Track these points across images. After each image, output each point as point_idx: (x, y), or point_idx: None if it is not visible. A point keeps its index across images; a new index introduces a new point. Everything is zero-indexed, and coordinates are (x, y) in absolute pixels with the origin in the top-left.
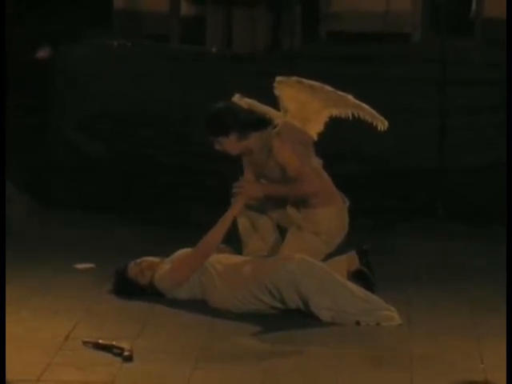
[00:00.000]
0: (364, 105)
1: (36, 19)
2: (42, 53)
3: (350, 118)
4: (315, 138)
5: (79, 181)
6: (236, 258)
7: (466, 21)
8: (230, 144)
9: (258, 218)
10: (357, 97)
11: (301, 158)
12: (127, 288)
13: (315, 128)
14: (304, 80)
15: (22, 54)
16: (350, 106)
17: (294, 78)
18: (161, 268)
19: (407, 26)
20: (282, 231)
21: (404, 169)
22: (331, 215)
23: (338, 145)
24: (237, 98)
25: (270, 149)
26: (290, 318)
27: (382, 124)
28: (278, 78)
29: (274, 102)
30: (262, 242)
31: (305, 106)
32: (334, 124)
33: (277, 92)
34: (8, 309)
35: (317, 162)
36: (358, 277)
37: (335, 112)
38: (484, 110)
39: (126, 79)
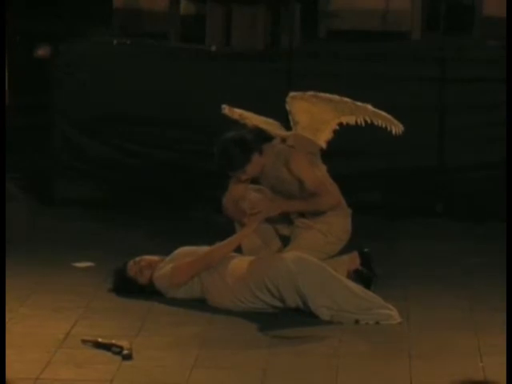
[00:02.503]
0: (382, 112)
1: (36, 18)
2: (42, 52)
3: (363, 124)
4: (324, 146)
5: (79, 180)
6: (236, 257)
7: (465, 19)
8: (254, 164)
9: (264, 230)
10: (356, 96)
11: (317, 171)
12: (126, 286)
13: (324, 137)
14: (320, 94)
15: (22, 54)
16: (368, 114)
17: (310, 93)
18: (160, 267)
19: (407, 24)
20: (282, 239)
21: (404, 168)
22: (339, 220)
23: (337, 144)
24: (227, 110)
25: (287, 163)
26: (289, 317)
27: (397, 128)
28: (292, 94)
29: (273, 101)
30: (265, 248)
31: (316, 118)
32: None
33: (288, 107)
34: (8, 307)
35: (324, 169)
36: (358, 276)
37: (346, 120)
38: (484, 108)
39: (126, 78)
